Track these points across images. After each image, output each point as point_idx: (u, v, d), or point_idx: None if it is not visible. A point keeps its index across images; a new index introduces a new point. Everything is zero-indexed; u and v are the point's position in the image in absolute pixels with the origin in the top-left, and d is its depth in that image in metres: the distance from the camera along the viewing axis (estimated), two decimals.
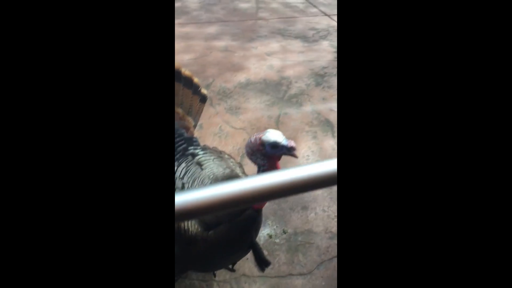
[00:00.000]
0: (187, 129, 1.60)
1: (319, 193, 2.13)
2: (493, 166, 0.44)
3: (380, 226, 0.46)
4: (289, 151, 1.04)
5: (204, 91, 1.67)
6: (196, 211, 0.39)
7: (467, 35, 0.46)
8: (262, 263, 1.19)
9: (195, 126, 1.69)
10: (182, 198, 0.38)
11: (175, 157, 1.40)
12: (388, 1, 0.48)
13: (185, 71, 1.57)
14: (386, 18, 0.48)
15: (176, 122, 1.58)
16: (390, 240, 0.46)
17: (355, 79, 0.48)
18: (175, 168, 1.34)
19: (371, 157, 0.46)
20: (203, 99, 1.68)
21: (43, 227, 0.42)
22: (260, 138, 1.05)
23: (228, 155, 1.52)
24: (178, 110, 1.59)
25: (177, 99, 1.56)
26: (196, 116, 1.68)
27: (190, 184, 1.25)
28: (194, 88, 1.61)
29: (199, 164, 1.33)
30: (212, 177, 1.26)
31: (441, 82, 0.46)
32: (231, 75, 3.28)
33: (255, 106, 2.81)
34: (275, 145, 1.04)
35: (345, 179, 0.46)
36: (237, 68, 3.40)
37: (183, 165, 1.34)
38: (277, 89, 3.06)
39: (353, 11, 0.48)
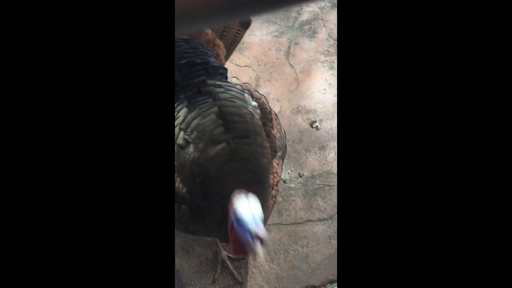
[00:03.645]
0: (215, 57, 1.26)
1: None
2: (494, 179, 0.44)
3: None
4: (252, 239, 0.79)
5: None
6: None
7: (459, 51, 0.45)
8: None
9: (227, 56, 1.34)
10: None
11: (184, 91, 1.03)
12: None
13: None
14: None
15: (200, 43, 1.21)
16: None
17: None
18: (179, 105, 1.00)
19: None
20: (246, 23, 1.31)
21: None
22: (233, 203, 0.85)
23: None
24: (207, 31, 1.23)
25: None
26: (232, 43, 1.33)
27: (194, 142, 0.95)
28: None
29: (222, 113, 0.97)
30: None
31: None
32: None
33: (261, 39, 2.48)
34: (240, 223, 0.82)
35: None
36: None
37: (194, 108, 0.98)
38: (285, 16, 2.67)
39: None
